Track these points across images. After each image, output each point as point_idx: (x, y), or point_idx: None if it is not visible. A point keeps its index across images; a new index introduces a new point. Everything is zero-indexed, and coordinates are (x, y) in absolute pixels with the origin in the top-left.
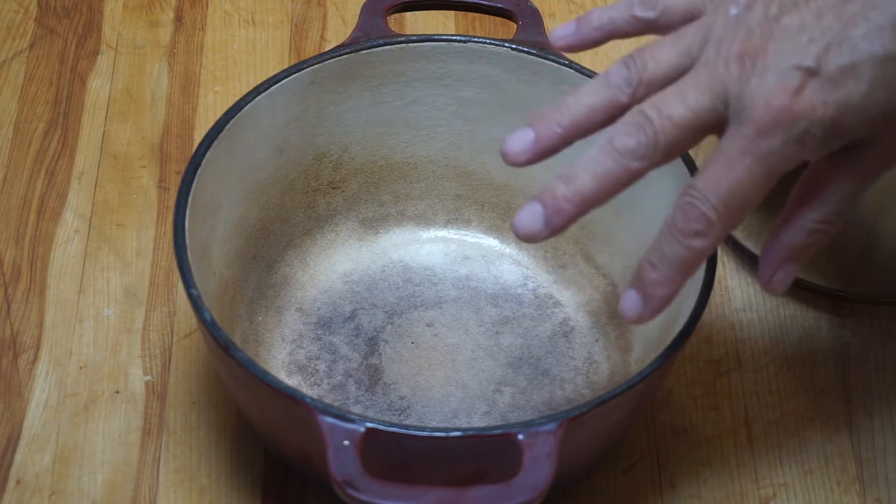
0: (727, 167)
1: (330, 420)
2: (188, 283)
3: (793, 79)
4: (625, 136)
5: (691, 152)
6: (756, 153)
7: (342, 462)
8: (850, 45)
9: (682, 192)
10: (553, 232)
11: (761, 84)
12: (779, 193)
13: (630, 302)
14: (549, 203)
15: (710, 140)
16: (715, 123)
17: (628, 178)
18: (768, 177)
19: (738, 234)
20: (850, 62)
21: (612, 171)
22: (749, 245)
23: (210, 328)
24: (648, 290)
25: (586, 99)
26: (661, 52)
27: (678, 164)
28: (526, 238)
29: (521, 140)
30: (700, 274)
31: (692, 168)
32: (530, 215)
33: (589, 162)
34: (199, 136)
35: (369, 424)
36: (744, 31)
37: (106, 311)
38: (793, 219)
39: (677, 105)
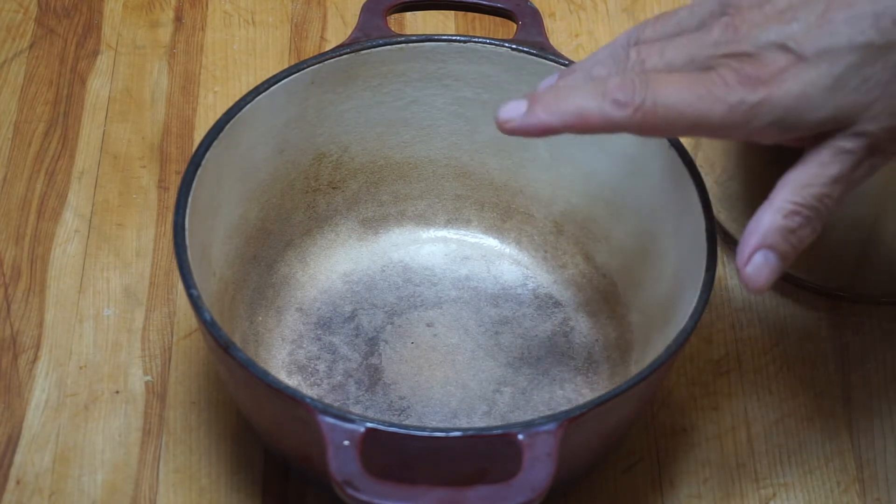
0: (685, 83)
1: (330, 420)
2: (188, 283)
3: (769, 53)
4: (601, 66)
5: (690, 151)
6: (712, 92)
7: (342, 462)
8: (831, 29)
9: (634, 70)
10: (528, 125)
11: (737, 50)
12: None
13: (512, 106)
14: (530, 101)
15: (710, 139)
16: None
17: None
18: (706, 117)
19: (739, 235)
20: (829, 46)
21: (592, 109)
22: None
23: (210, 328)
24: (536, 106)
25: (597, 55)
26: (659, 23)
27: (678, 165)
28: (504, 125)
29: (548, 82)
30: (700, 274)
31: (691, 168)
32: (513, 106)
33: (570, 81)
34: (199, 136)
35: (369, 424)
36: (734, 7)
37: (106, 311)
38: (773, 198)
39: (654, 55)
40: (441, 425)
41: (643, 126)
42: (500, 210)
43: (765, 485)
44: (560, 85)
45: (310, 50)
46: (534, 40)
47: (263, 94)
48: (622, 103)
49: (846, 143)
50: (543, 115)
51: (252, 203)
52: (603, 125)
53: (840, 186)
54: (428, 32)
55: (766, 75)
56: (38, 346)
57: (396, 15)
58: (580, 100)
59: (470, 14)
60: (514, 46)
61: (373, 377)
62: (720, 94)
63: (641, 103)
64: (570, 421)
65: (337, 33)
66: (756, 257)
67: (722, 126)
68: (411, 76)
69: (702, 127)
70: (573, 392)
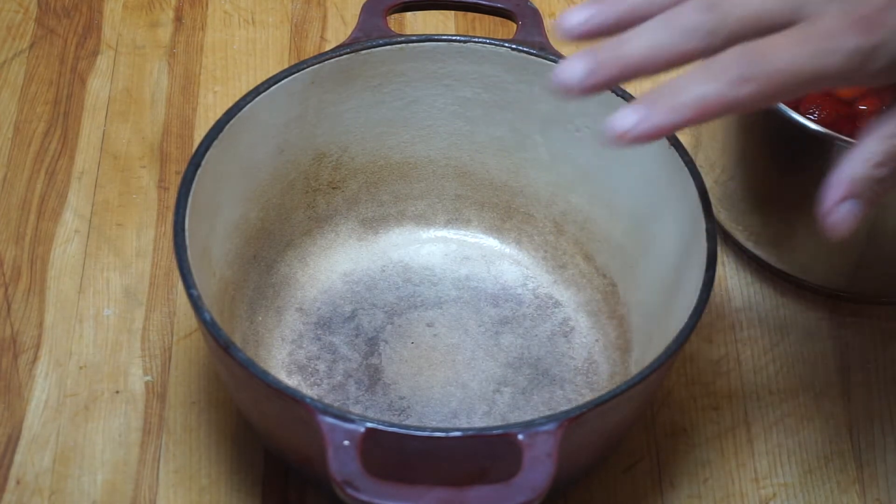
0: (794, 42)
1: (330, 420)
2: (188, 283)
3: None
4: (689, 12)
5: (690, 151)
6: (825, 45)
7: (342, 462)
8: None
9: (742, 46)
10: (587, 86)
11: None
12: (787, 195)
13: (623, 117)
14: (596, 57)
15: (710, 138)
16: (782, 25)
17: (676, 58)
18: (817, 76)
19: (739, 235)
20: None
21: (664, 44)
22: (749, 245)
23: (210, 328)
24: (654, 109)
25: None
26: None
27: (678, 165)
28: (562, 85)
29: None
30: (700, 274)
31: (691, 168)
32: (572, 65)
33: (645, 29)
34: (199, 136)
35: (369, 424)
36: None
37: (106, 311)
38: (858, 148)
39: (748, 1)
40: (441, 425)
41: (764, 98)
42: (500, 210)
43: (765, 485)
44: (642, 40)
45: (310, 50)
46: (534, 40)
47: (263, 94)
48: (741, 81)
49: None
50: (663, 117)
51: (252, 203)
52: (726, 109)
53: None
54: (428, 32)
55: (878, 14)
56: (38, 346)
57: (396, 15)
58: (696, 89)
59: (470, 14)
60: (514, 46)
61: (373, 377)
62: (834, 46)
63: (761, 75)
64: (570, 421)
65: (337, 33)
66: (842, 207)
67: (839, 76)
68: (411, 76)
69: (819, 81)
70: (573, 392)
